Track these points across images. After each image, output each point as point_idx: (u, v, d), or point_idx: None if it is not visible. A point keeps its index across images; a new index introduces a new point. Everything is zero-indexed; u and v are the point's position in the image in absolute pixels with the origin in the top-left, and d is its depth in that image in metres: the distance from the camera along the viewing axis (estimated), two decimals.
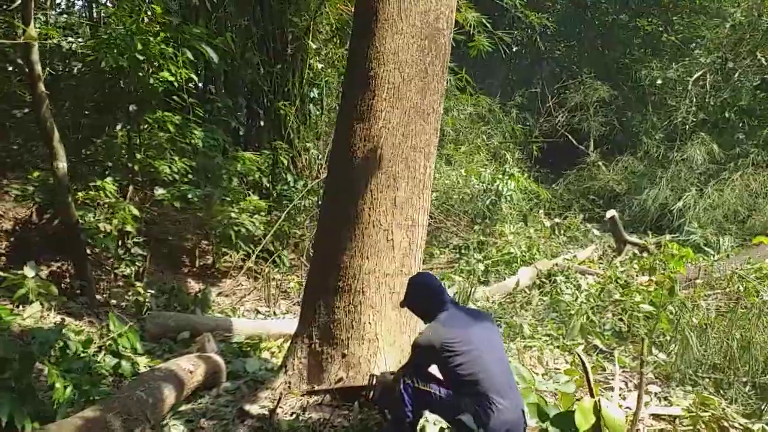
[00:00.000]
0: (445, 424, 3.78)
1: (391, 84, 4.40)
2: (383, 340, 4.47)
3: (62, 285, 6.39)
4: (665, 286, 7.71)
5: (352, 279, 4.43)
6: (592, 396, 3.40)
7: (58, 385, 3.62)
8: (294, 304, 8.27)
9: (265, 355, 5.84)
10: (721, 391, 4.95)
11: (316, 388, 4.40)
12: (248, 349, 5.81)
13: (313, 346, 4.51)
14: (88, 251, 6.61)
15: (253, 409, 4.25)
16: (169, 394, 4.09)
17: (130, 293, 6.70)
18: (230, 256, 8.71)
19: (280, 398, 4.03)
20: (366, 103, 4.41)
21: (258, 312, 7.35)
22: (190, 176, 7.16)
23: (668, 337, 6.19)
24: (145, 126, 6.97)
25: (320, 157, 10.31)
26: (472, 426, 3.22)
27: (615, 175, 14.82)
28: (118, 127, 6.81)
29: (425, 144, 4.56)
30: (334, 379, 4.40)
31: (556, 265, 9.55)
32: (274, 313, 7.54)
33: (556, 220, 12.99)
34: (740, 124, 13.47)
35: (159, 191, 6.93)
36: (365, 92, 4.43)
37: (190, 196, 6.92)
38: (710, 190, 11.58)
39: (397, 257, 4.51)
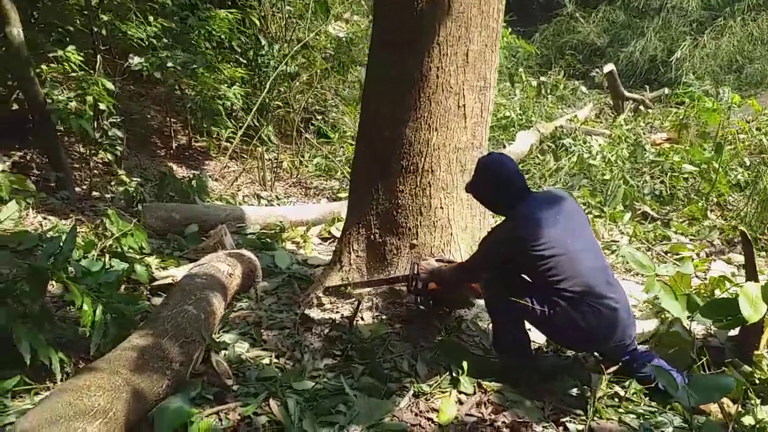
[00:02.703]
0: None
1: None
2: (456, 225, 3.79)
3: (31, 178, 5.40)
4: (690, 143, 7.23)
5: (418, 156, 3.65)
6: (754, 279, 2.83)
7: (86, 307, 2.83)
8: (290, 186, 7.50)
9: (290, 246, 5.13)
10: None
11: (355, 282, 3.73)
12: (268, 240, 5.08)
13: (373, 237, 3.80)
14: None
15: (315, 313, 3.59)
16: (218, 305, 3.38)
17: (112, 183, 5.77)
18: (209, 136, 7.72)
19: (359, 303, 3.35)
20: None
21: (259, 197, 6.54)
22: (164, 41, 6.02)
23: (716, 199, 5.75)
24: None
25: (294, 15, 9.08)
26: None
27: (595, 27, 13.96)
28: None
29: None
30: (402, 273, 3.73)
31: (561, 127, 8.95)
32: (277, 197, 6.75)
33: (542, 78, 12.23)
34: None
35: (135, 60, 5.80)
36: None
37: (170, 64, 5.82)
38: (706, 39, 10.92)
39: (469, 127, 3.73)
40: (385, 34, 3.71)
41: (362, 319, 3.46)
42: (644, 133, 8.73)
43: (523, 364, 2.95)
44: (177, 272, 4.10)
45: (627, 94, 10.32)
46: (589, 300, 2.67)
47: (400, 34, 3.61)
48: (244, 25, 8.22)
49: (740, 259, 4.67)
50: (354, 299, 3.68)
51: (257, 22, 8.40)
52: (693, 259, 4.17)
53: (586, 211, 6.00)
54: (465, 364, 2.93)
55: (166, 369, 2.64)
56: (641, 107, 10.06)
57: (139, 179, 5.92)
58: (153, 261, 4.37)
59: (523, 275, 2.92)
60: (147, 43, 5.82)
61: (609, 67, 10.17)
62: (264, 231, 5.33)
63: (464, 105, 3.66)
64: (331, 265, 3.97)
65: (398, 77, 3.63)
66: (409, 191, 3.70)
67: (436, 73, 3.56)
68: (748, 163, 6.27)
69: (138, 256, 4.34)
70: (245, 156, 7.77)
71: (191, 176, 6.17)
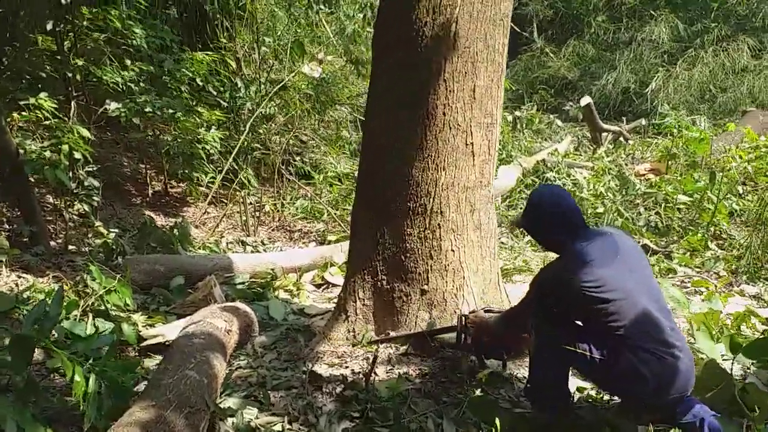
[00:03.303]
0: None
1: None
2: (468, 269, 3.58)
3: (3, 233, 5.08)
4: (680, 173, 7.20)
5: (426, 197, 3.47)
6: None
7: (77, 377, 2.53)
8: (273, 230, 7.25)
9: (283, 295, 4.87)
10: None
11: (391, 334, 3.51)
12: (260, 290, 4.81)
13: (380, 283, 3.57)
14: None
15: (323, 370, 3.33)
16: (220, 367, 3.10)
17: (89, 235, 5.46)
18: (188, 181, 7.44)
19: (375, 358, 3.10)
20: None
21: (244, 243, 6.27)
22: (141, 85, 5.78)
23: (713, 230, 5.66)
24: (81, 25, 5.47)
25: (269, 56, 8.94)
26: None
27: (565, 61, 14.11)
28: (49, 26, 5.24)
29: (504, 13, 3.54)
30: (414, 321, 3.51)
31: (542, 161, 8.88)
32: (262, 242, 6.49)
33: (516, 113, 12.24)
34: None
35: (112, 105, 5.53)
36: None
37: (148, 109, 5.57)
38: (679, 69, 11.06)
39: (477, 165, 3.56)
40: (387, 69, 3.54)
41: (376, 374, 3.21)
42: (626, 164, 8.70)
43: (561, 419, 2.72)
44: (166, 330, 3.81)
45: (605, 126, 10.35)
46: (652, 347, 2.47)
47: (402, 72, 3.45)
48: (219, 67, 8.04)
49: (752, 290, 4.55)
50: (366, 353, 3.44)
51: (233, 64, 8.24)
52: (719, 294, 4.02)
53: None
54: (498, 422, 2.70)
55: None
56: (621, 139, 10.09)
57: (116, 230, 5.62)
58: (139, 318, 4.08)
59: (575, 320, 2.72)
60: (124, 87, 5.58)
61: (586, 100, 10.20)
62: (254, 280, 5.06)
63: (472, 143, 3.50)
64: (335, 316, 3.72)
65: (402, 117, 3.46)
66: (417, 234, 3.50)
67: (443, 111, 3.40)
68: (741, 192, 6.23)
69: (123, 315, 4.05)
70: (225, 201, 7.51)
71: (172, 224, 5.88)
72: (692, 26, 11.99)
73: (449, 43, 3.34)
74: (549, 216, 2.76)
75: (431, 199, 3.47)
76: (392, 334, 3.51)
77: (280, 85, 7.93)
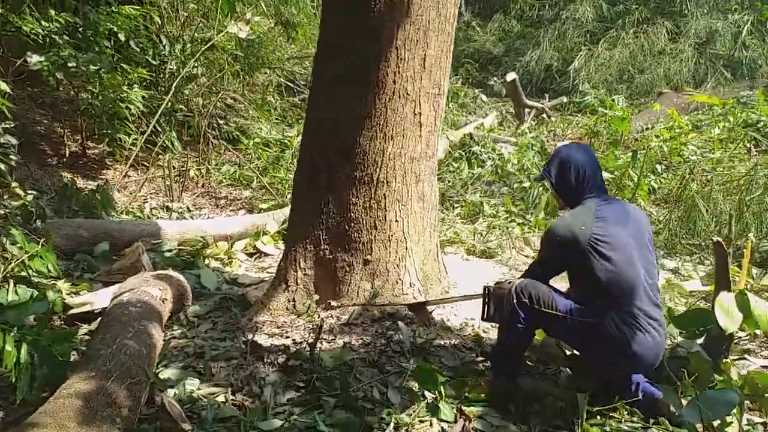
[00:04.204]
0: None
1: None
2: (411, 239, 3.59)
3: None
4: (598, 150, 7.44)
5: (373, 166, 3.44)
6: (727, 289, 2.82)
7: (8, 347, 2.37)
8: (198, 196, 7.02)
9: (214, 264, 4.74)
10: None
11: (378, 303, 3.45)
12: (190, 258, 4.66)
13: (322, 253, 3.53)
14: None
15: (263, 340, 3.27)
16: (158, 336, 3.00)
17: (5, 197, 5.11)
18: (109, 142, 7.06)
19: (321, 327, 3.06)
20: None
21: (169, 210, 6.03)
22: (65, 38, 5.40)
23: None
24: None
25: (197, 13, 8.55)
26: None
27: (491, 36, 14.26)
28: None
29: None
30: (356, 291, 3.49)
31: (469, 135, 8.98)
32: (188, 209, 6.27)
33: None
34: None
35: (34, 58, 5.14)
36: None
37: (72, 64, 5.22)
38: (600, 49, 11.40)
39: (424, 135, 3.56)
40: (337, 34, 3.45)
41: (321, 344, 3.18)
42: (547, 141, 8.92)
43: (508, 385, 2.78)
44: (94, 298, 3.63)
45: (528, 102, 10.57)
46: (638, 317, 2.55)
47: (354, 36, 3.38)
48: (145, 23, 7.63)
49: (671, 264, 4.79)
50: (306, 323, 3.40)
51: (158, 20, 7.84)
52: None
53: (509, 219, 6.00)
54: (442, 389, 2.74)
55: (116, 417, 2.27)
56: (543, 115, 10.33)
57: (34, 192, 5.27)
58: (63, 286, 3.87)
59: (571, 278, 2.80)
60: (47, 40, 5.19)
61: (511, 75, 10.36)
62: (182, 248, 4.89)
63: (420, 113, 3.49)
64: (274, 285, 3.66)
65: (352, 82, 3.39)
66: (362, 204, 3.47)
67: (393, 79, 3.36)
68: (659, 170, 6.52)
69: (46, 282, 3.83)
70: (146, 164, 7.19)
71: (94, 187, 5.58)
72: (615, 6, 12.35)
73: (402, 10, 3.29)
74: (576, 171, 2.80)
75: (378, 169, 3.44)
76: (423, 298, 3.50)
77: (209, 44, 7.61)
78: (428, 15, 3.35)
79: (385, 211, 3.48)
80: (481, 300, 2.98)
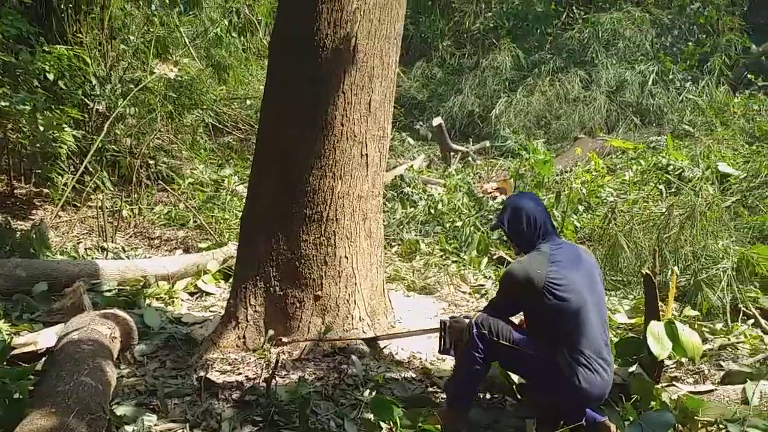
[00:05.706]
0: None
1: None
2: (360, 275, 3.72)
3: None
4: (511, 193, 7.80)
5: (323, 204, 3.57)
6: (656, 318, 3.08)
7: None
8: (131, 237, 6.92)
9: (156, 303, 4.70)
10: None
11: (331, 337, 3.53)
12: (130, 298, 4.61)
13: (273, 289, 3.61)
14: None
15: (215, 376, 3.30)
16: (111, 374, 2.98)
17: None
18: (44, 182, 6.90)
19: (277, 362, 3.12)
20: None
21: (105, 250, 5.92)
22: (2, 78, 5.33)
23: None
24: None
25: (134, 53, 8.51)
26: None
27: (414, 82, 14.73)
28: None
29: (398, 32, 3.76)
30: (307, 327, 3.58)
31: (401, 176, 9.22)
32: (123, 249, 6.17)
33: None
34: (536, 31, 13.97)
35: None
36: None
37: (4, 103, 5.14)
38: (519, 97, 11.99)
39: (370, 175, 3.73)
40: (287, 75, 3.60)
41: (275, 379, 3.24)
42: (474, 183, 9.27)
43: (460, 415, 2.92)
44: (39, 338, 3.56)
45: (454, 146, 10.95)
46: (590, 357, 2.73)
47: (303, 79, 3.53)
48: (77, 63, 7.55)
49: None
50: (258, 359, 3.45)
51: (88, 60, 7.76)
52: None
53: (444, 257, 6.22)
54: (398, 420, 2.85)
55: None
56: (468, 159, 10.74)
57: None
58: (3, 326, 3.77)
59: (529, 317, 2.97)
60: None
61: (437, 120, 10.73)
62: (122, 287, 4.83)
63: (366, 154, 3.66)
64: (224, 323, 3.69)
65: (301, 123, 3.54)
66: (312, 240, 3.58)
67: (341, 121, 3.53)
68: (581, 210, 6.92)
69: None
70: (77, 204, 7.04)
71: (25, 228, 5.45)
72: (531, 56, 13.05)
73: (349, 57, 3.48)
74: (527, 218, 2.97)
75: (327, 207, 3.57)
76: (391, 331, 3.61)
77: (141, 86, 7.60)
78: (372, 62, 3.56)
79: (335, 247, 3.61)
80: (437, 333, 3.13)
